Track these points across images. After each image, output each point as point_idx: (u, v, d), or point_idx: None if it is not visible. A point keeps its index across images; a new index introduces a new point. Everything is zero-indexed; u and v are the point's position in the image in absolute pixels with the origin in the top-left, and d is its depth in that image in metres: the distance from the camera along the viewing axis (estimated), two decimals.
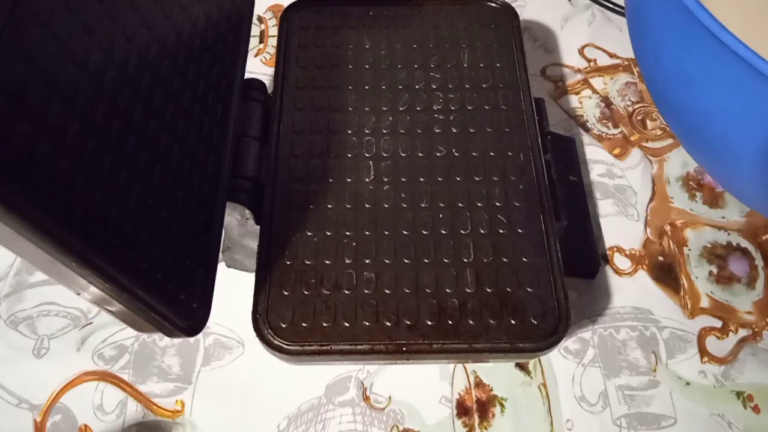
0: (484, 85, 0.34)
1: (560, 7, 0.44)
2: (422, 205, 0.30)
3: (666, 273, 0.34)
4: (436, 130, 0.32)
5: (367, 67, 0.34)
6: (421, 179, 0.31)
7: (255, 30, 0.43)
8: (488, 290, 0.28)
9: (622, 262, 0.34)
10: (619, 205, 0.36)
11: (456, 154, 0.32)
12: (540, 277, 0.28)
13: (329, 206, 0.30)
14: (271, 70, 0.40)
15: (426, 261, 0.29)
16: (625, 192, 0.36)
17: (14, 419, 0.30)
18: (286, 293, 0.28)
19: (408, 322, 0.27)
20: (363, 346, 0.27)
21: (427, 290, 0.28)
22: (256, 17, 0.43)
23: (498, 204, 0.30)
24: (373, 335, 0.27)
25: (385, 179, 0.31)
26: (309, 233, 0.29)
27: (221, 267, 0.29)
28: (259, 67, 0.41)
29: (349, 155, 0.32)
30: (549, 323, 0.27)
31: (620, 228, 0.35)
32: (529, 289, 0.28)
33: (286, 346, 0.27)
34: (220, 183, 0.27)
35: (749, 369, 0.31)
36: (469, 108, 0.33)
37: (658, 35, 0.29)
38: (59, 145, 0.17)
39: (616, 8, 0.43)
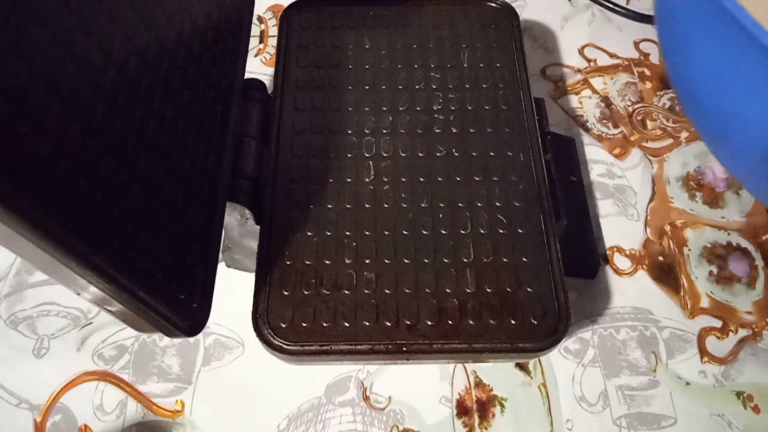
0: (484, 85, 0.34)
1: (560, 7, 0.44)
2: (422, 205, 0.30)
3: (666, 273, 0.34)
4: (436, 130, 0.32)
5: (367, 67, 0.34)
6: (421, 179, 0.31)
7: (255, 30, 0.43)
8: (488, 290, 0.28)
9: (622, 262, 0.34)
10: (619, 205, 0.36)
11: (456, 154, 0.32)
12: (540, 277, 0.28)
13: (329, 206, 0.30)
14: (271, 70, 0.40)
15: (426, 261, 0.29)
16: (625, 192, 0.36)
17: (14, 419, 0.30)
18: (286, 293, 0.28)
19: (408, 323, 0.27)
20: (363, 346, 0.27)
21: (427, 290, 0.28)
22: (256, 17, 0.43)
23: (498, 204, 0.30)
24: (373, 335, 0.27)
25: (385, 179, 0.31)
26: (309, 233, 0.29)
27: (221, 267, 0.29)
28: (259, 67, 0.41)
29: (349, 155, 0.32)
30: (549, 323, 0.27)
31: (620, 228, 0.35)
32: (529, 289, 0.28)
33: (286, 346, 0.27)
34: (220, 183, 0.27)
35: (749, 369, 0.31)
36: (469, 108, 0.33)
37: (691, 35, 0.28)
38: (59, 145, 0.17)
39: (616, 8, 0.43)
